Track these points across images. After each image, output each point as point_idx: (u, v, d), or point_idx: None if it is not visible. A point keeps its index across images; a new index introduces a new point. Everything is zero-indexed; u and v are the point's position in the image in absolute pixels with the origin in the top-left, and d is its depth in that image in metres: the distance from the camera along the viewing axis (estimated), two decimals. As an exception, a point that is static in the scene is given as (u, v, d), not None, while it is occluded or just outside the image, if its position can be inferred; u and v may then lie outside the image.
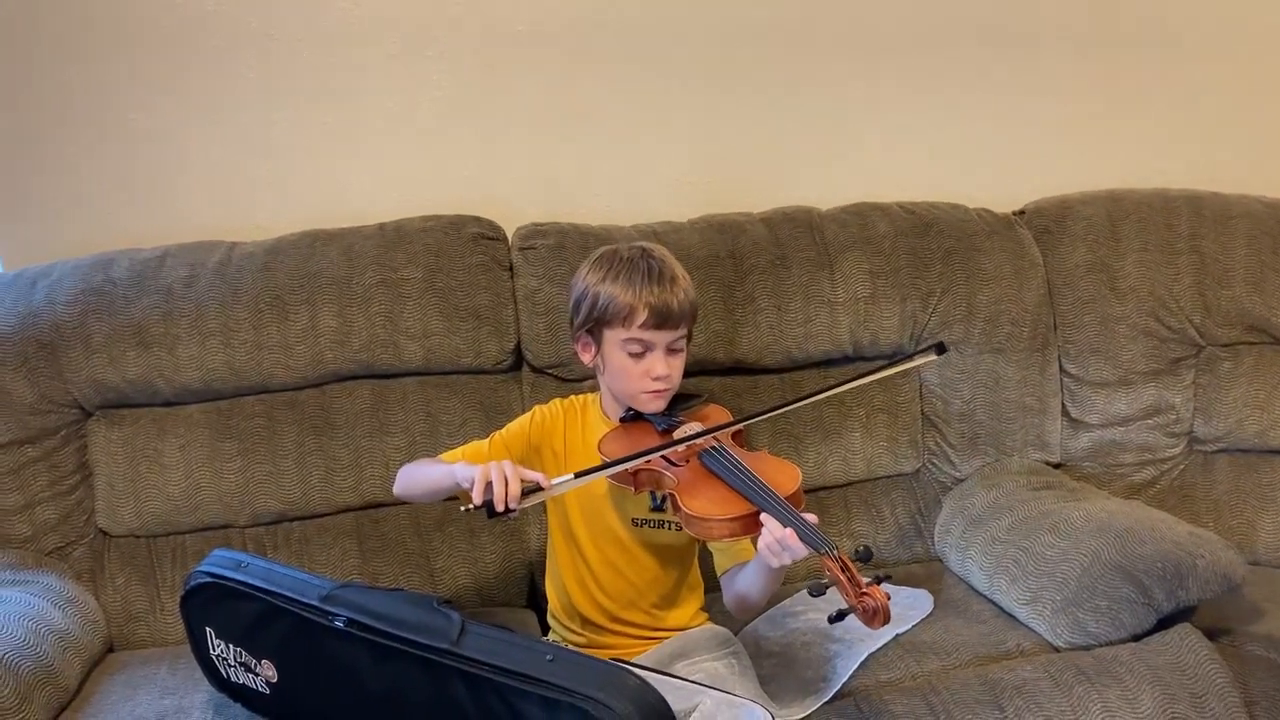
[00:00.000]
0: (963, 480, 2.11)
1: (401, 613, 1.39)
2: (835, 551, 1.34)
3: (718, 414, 1.70)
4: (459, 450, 1.67)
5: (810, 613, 1.84)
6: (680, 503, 1.47)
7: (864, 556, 1.35)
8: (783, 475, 1.48)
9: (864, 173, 2.31)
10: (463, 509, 1.44)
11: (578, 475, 1.47)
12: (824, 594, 1.34)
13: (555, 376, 2.01)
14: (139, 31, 2.01)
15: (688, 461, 1.53)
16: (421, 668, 1.36)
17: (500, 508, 1.40)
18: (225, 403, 1.94)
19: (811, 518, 1.39)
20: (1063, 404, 2.15)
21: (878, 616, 1.28)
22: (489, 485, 1.41)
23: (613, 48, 2.18)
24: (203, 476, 1.90)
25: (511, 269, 2.02)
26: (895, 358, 2.11)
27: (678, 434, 1.59)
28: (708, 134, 2.26)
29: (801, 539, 1.37)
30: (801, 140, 2.30)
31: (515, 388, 2.02)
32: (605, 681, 1.28)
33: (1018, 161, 2.38)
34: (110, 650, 1.86)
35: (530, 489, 1.43)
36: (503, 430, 1.70)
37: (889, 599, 1.30)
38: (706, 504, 1.45)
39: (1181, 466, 2.17)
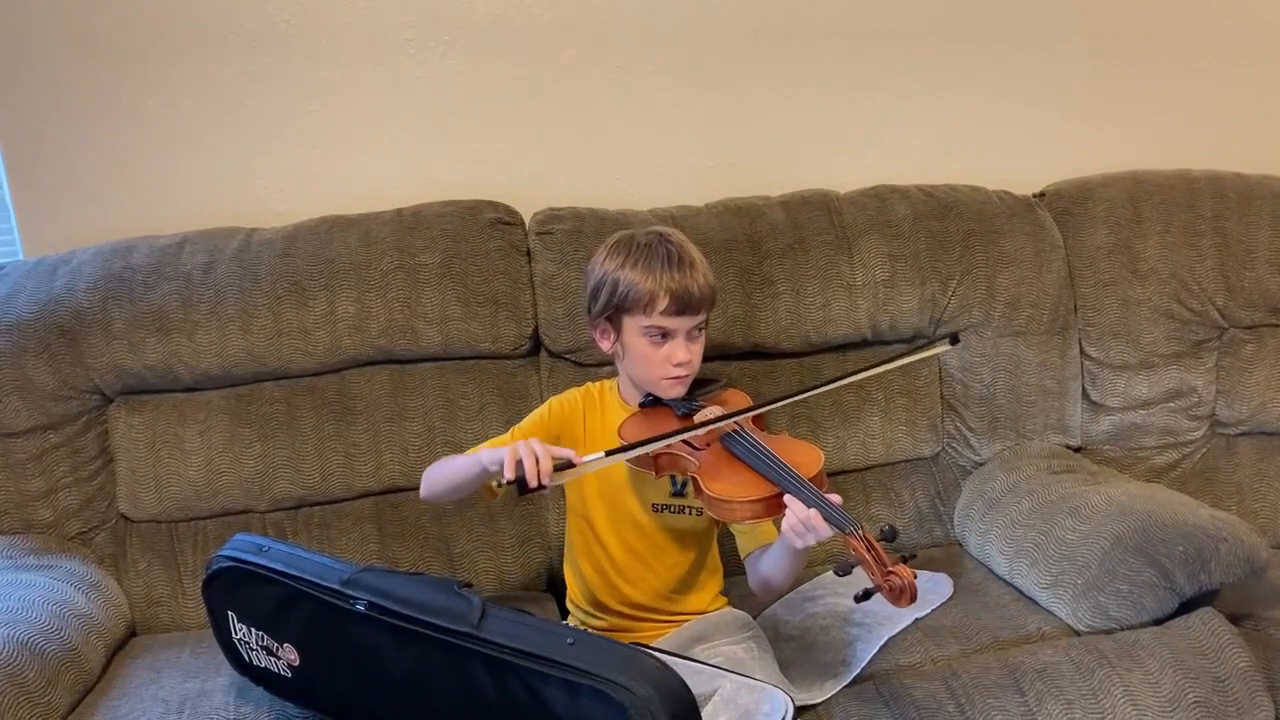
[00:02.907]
0: (982, 464, 2.10)
1: (422, 596, 1.40)
2: (860, 531, 1.34)
3: (737, 398, 1.69)
4: (479, 446, 1.65)
5: (829, 596, 1.84)
6: (703, 486, 1.47)
7: (889, 536, 1.36)
8: (805, 456, 1.48)
9: (883, 156, 2.29)
10: (494, 485, 1.43)
11: (609, 454, 1.45)
12: (850, 573, 1.34)
13: (573, 361, 2.01)
14: (156, 21, 2.01)
15: (709, 445, 1.53)
16: (443, 651, 1.36)
17: (533, 483, 1.38)
18: (245, 388, 1.94)
19: (835, 498, 1.39)
20: (1083, 387, 2.14)
21: (904, 595, 1.28)
22: (519, 463, 1.39)
23: (630, 32, 2.17)
24: (223, 462, 1.91)
25: (529, 254, 2.02)
26: (915, 341, 2.10)
27: (698, 418, 1.59)
28: (725, 118, 2.25)
29: (826, 520, 1.36)
30: (819, 123, 2.28)
31: (533, 372, 2.02)
32: (626, 665, 1.28)
33: (1038, 143, 2.36)
34: (133, 634, 1.87)
35: (561, 465, 1.41)
36: (521, 423, 1.70)
37: (915, 577, 1.30)
38: (729, 486, 1.45)
39: (1204, 450, 2.16)
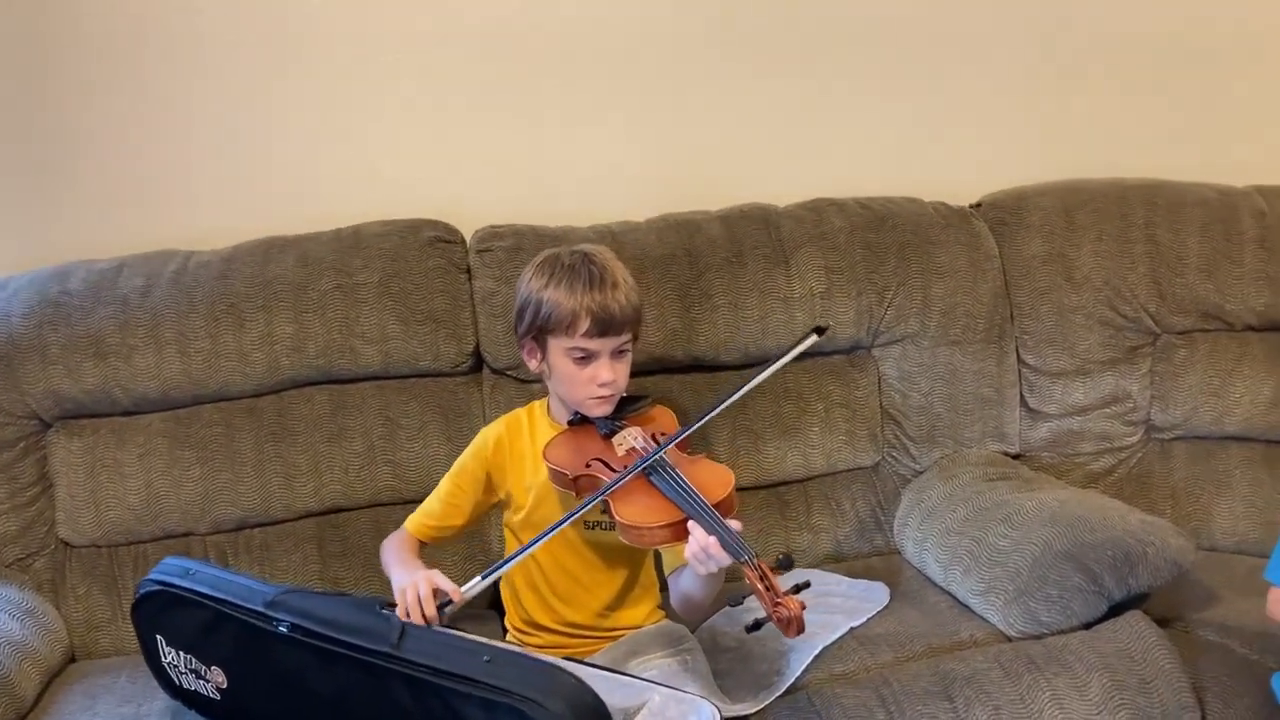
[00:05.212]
0: (922, 473, 2.12)
1: (344, 617, 1.41)
2: (755, 560, 1.36)
3: (662, 414, 1.70)
4: (419, 511, 1.72)
5: (767, 608, 1.85)
6: (614, 510, 1.48)
7: (785, 564, 1.37)
8: (714, 481, 1.49)
9: (822, 169, 2.30)
10: None
11: (484, 576, 1.51)
12: (742, 603, 1.36)
13: (515, 378, 2.01)
14: (91, 42, 2.02)
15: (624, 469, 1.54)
16: (364, 671, 1.38)
17: (420, 624, 1.46)
18: (184, 411, 1.94)
19: (735, 524, 1.40)
20: (1021, 395, 2.16)
21: (792, 626, 1.30)
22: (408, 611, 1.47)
23: (569, 48, 2.19)
24: (163, 485, 1.91)
25: (469, 272, 2.03)
26: (853, 353, 2.13)
27: (617, 440, 1.60)
28: (665, 133, 2.27)
29: (723, 547, 1.38)
30: (759, 138, 2.30)
31: (475, 389, 2.03)
32: (542, 682, 1.30)
33: (975, 154, 2.38)
34: (73, 660, 1.87)
35: (444, 602, 1.48)
36: (454, 470, 1.72)
37: (804, 609, 1.31)
38: (639, 512, 1.47)
39: (1139, 455, 2.18)
